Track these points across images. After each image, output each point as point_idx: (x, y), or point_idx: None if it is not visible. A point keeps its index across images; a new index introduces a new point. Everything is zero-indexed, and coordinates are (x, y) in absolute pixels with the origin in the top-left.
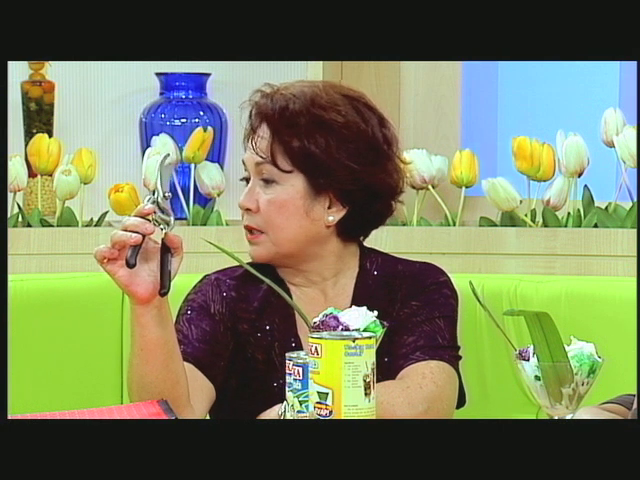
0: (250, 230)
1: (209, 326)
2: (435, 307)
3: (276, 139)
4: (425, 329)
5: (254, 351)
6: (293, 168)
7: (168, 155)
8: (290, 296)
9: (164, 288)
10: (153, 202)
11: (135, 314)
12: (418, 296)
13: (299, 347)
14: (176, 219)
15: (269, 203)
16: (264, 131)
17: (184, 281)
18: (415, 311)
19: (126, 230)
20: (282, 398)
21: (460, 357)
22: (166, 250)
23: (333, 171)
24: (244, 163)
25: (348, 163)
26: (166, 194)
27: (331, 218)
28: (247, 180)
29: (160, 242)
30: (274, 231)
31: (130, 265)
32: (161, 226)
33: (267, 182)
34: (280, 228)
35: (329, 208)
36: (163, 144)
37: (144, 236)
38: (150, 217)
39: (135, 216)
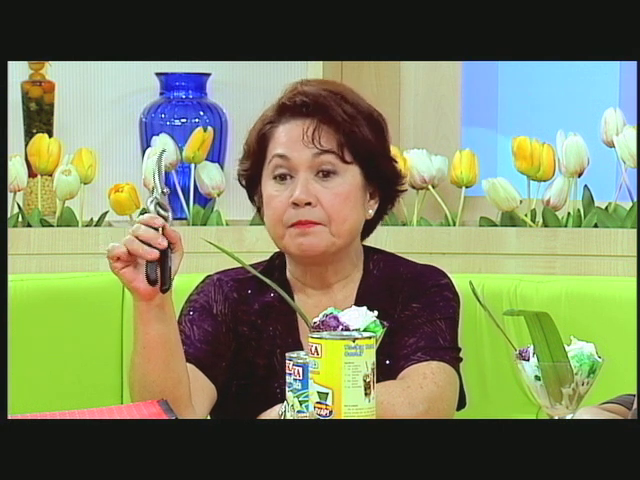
0: (306, 223)
1: (211, 326)
2: (436, 309)
3: (341, 131)
4: (426, 330)
5: (255, 356)
6: (353, 159)
7: (164, 151)
8: (293, 300)
9: (165, 284)
10: (156, 203)
11: (138, 311)
12: (419, 298)
13: None
14: (176, 219)
15: (335, 195)
16: (324, 124)
17: (185, 281)
18: (416, 313)
19: (138, 238)
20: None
21: (461, 359)
22: (166, 246)
23: (380, 161)
24: (285, 158)
25: (388, 154)
26: (164, 190)
27: (371, 211)
28: (282, 177)
29: None
30: (337, 223)
31: (152, 281)
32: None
33: (326, 174)
34: (344, 219)
35: (368, 201)
36: (163, 144)
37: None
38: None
39: (146, 225)
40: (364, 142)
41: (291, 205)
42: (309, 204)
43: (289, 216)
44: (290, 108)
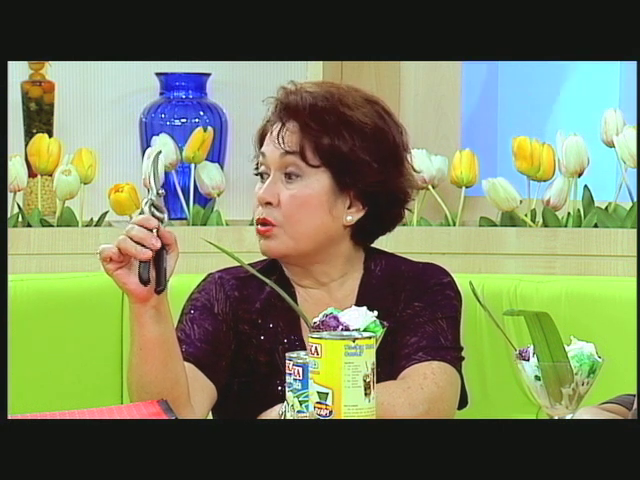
0: (264, 223)
1: (212, 326)
2: (438, 308)
3: (306, 134)
4: (428, 330)
5: (256, 353)
6: (320, 164)
7: (160, 153)
8: (295, 297)
9: (160, 286)
10: (151, 204)
11: (134, 313)
12: (421, 297)
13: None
14: (176, 219)
15: (292, 198)
16: (293, 125)
17: (184, 281)
18: (418, 312)
19: (132, 239)
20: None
21: (463, 358)
22: (161, 247)
23: (359, 170)
24: (263, 156)
25: (373, 164)
26: (160, 192)
27: (350, 218)
28: (262, 175)
29: None
30: (293, 226)
31: (144, 281)
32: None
33: (290, 176)
34: (300, 223)
35: (349, 208)
36: (163, 144)
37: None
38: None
39: (140, 226)
40: (332, 148)
41: (258, 203)
42: (269, 203)
43: (257, 213)
44: (276, 108)
